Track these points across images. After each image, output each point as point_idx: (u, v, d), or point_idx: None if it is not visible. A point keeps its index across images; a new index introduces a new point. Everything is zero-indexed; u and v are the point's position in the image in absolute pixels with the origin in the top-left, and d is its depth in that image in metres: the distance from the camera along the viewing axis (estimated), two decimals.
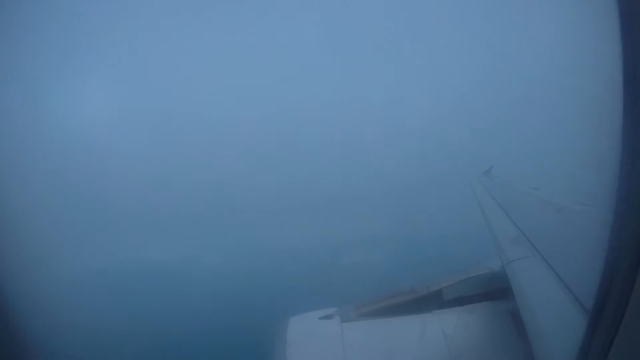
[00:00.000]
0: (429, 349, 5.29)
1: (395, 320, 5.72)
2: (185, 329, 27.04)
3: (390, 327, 5.60)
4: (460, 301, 5.91)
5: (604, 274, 2.05)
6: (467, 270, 6.32)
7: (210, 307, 28.64)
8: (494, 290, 5.83)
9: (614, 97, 1.79)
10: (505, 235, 6.05)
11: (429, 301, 5.95)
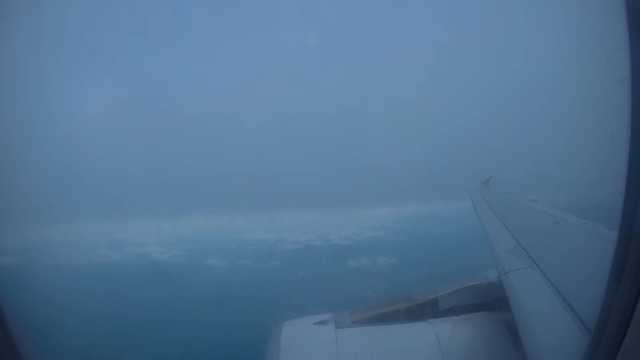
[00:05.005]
0: (423, 358, 5.27)
1: (390, 328, 5.69)
2: (183, 326, 26.97)
3: (385, 335, 5.57)
4: (456, 310, 5.90)
5: (606, 294, 2.03)
6: (463, 279, 6.31)
7: (210, 306, 28.64)
8: (490, 301, 5.82)
9: (620, 107, 1.79)
10: (502, 246, 6.05)
11: (424, 310, 5.93)
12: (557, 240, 5.99)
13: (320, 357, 5.30)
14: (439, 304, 5.95)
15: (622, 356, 1.86)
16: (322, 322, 5.76)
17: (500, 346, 5.16)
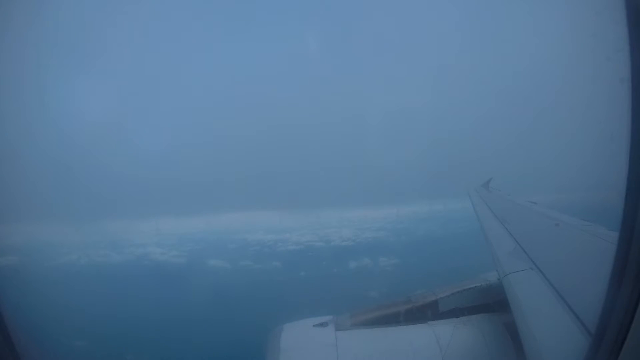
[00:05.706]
0: None
1: (390, 330, 5.68)
2: (184, 327, 26.98)
3: (384, 337, 5.56)
4: (456, 312, 5.88)
5: (607, 296, 2.02)
6: (463, 281, 6.29)
7: (211, 307, 28.69)
8: (491, 303, 5.81)
9: (620, 107, 1.79)
10: (502, 248, 6.04)
11: (424, 312, 5.92)
12: (558, 242, 5.98)
13: (320, 359, 5.29)
14: (439, 305, 5.94)
15: (623, 358, 1.85)
16: (322, 324, 5.75)
17: (500, 348, 5.14)
